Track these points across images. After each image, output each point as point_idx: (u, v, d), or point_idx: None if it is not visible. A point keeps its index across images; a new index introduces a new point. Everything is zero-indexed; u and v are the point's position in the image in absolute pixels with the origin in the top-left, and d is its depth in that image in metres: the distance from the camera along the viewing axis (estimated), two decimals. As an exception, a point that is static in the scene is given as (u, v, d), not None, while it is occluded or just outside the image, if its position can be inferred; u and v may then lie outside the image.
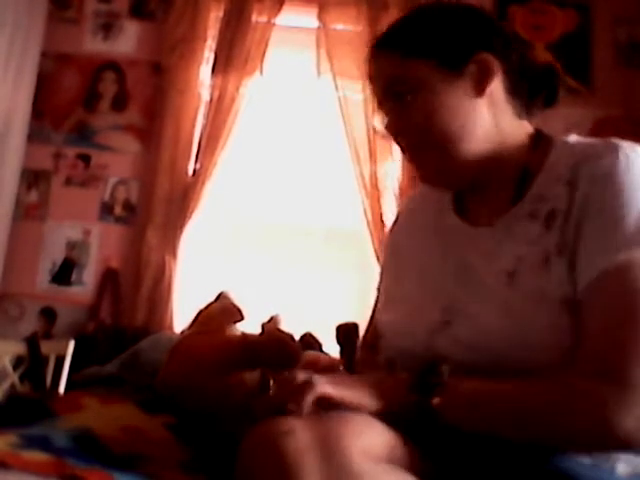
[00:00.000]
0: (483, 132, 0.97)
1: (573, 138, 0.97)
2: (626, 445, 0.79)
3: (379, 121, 1.05)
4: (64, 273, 3.12)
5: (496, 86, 0.97)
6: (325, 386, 0.80)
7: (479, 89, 0.96)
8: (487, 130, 0.97)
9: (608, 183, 0.86)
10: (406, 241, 1.13)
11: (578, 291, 0.84)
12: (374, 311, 1.15)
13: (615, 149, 0.88)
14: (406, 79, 0.97)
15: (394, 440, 0.79)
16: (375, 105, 1.05)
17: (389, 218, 3.01)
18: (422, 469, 0.79)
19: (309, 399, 0.78)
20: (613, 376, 0.78)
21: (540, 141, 0.99)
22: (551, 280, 0.86)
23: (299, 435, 0.69)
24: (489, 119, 0.97)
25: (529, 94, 1.01)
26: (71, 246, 3.14)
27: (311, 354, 1.03)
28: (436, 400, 0.81)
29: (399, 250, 1.14)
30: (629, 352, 0.78)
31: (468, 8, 1.03)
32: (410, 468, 0.78)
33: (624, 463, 0.84)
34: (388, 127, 1.01)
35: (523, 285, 0.88)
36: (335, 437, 0.70)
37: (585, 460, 0.83)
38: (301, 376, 0.82)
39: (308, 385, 0.80)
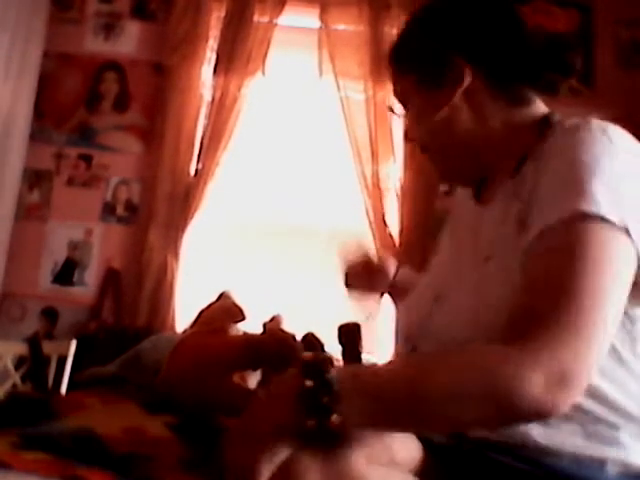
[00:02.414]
0: (471, 132, 0.98)
1: (572, 121, 0.93)
2: (536, 412, 0.69)
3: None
4: (66, 273, 3.12)
5: (476, 86, 0.97)
6: None
7: (452, 95, 0.97)
8: (474, 129, 0.98)
9: (567, 154, 0.83)
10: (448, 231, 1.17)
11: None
12: None
13: (584, 127, 0.85)
14: (402, 93, 1.06)
15: (395, 443, 0.79)
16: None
17: (391, 218, 3.01)
18: (423, 471, 0.79)
19: None
20: (517, 339, 0.71)
21: (545, 127, 0.95)
22: (517, 257, 0.82)
23: None
24: (474, 119, 0.98)
25: (531, 77, 0.99)
26: (73, 246, 3.14)
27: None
28: (335, 418, 0.67)
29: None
30: (536, 314, 0.73)
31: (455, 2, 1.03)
32: (412, 470, 0.78)
33: (613, 462, 0.83)
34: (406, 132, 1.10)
35: (494, 266, 0.88)
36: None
37: (575, 459, 0.82)
38: None
39: None
